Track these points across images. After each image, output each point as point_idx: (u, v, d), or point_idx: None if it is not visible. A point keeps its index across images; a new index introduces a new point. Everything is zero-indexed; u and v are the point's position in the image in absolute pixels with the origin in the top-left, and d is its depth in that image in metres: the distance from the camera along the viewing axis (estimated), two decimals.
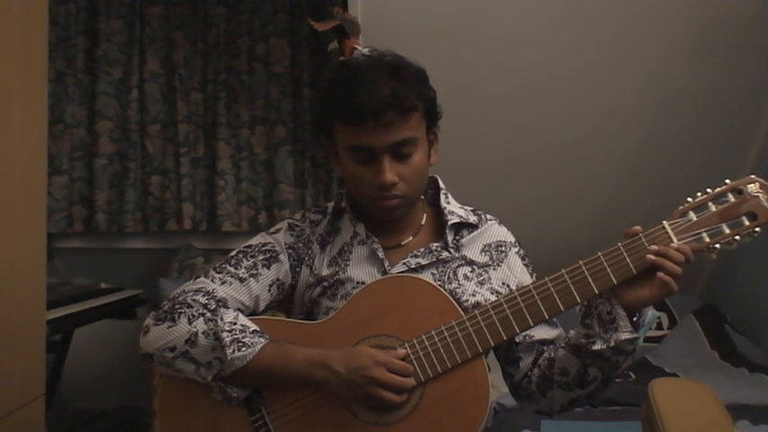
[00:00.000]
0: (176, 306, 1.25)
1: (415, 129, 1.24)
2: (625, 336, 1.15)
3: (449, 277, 1.29)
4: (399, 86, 1.21)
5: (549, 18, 2.71)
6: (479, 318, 1.19)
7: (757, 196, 1.14)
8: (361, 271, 1.30)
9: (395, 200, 1.25)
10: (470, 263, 1.31)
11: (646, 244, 1.15)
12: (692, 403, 1.46)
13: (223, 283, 1.29)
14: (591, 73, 2.83)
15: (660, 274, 1.12)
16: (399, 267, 1.29)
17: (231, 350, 1.18)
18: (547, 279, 1.19)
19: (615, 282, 1.16)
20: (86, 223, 3.22)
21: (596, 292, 1.17)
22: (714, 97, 2.86)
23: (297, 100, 3.14)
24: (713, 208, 1.15)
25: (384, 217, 1.30)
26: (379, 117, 1.19)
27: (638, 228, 1.17)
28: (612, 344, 1.15)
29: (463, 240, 1.33)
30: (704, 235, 1.15)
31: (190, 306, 1.24)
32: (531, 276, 1.35)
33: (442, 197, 1.36)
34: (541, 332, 1.30)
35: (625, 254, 1.15)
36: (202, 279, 1.30)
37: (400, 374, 1.16)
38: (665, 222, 1.16)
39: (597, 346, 1.17)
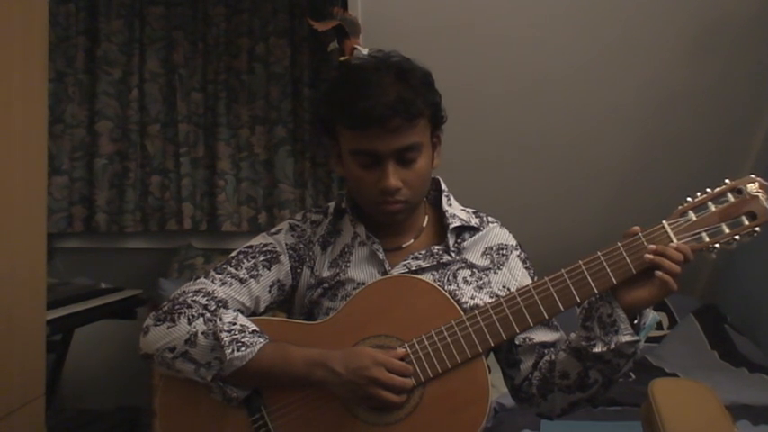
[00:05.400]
0: (176, 306, 1.25)
1: (420, 134, 1.22)
2: (626, 338, 1.15)
3: (448, 280, 1.28)
4: (406, 92, 1.19)
5: (549, 19, 2.70)
6: (479, 318, 1.19)
7: (757, 196, 1.14)
8: (361, 272, 1.30)
9: (398, 204, 1.25)
10: (471, 266, 1.31)
11: (645, 243, 1.15)
12: (692, 403, 1.46)
13: (223, 283, 1.29)
14: (591, 73, 2.83)
15: (659, 273, 1.12)
16: (399, 269, 1.28)
17: (230, 350, 1.18)
18: (546, 279, 1.19)
19: (615, 281, 1.16)
20: (86, 223, 3.21)
21: (596, 291, 1.17)
22: (714, 97, 2.86)
23: (297, 100, 3.13)
24: (713, 208, 1.15)
25: (386, 220, 1.29)
26: (385, 123, 1.17)
27: (637, 228, 1.17)
28: (613, 346, 1.15)
29: (465, 244, 1.33)
30: (704, 235, 1.15)
31: (189, 306, 1.24)
32: (532, 279, 1.34)
33: (444, 199, 1.36)
34: (542, 335, 1.29)
35: (624, 253, 1.15)
36: (202, 280, 1.30)
37: (400, 374, 1.16)
38: (664, 222, 1.16)
39: (598, 349, 1.17)
